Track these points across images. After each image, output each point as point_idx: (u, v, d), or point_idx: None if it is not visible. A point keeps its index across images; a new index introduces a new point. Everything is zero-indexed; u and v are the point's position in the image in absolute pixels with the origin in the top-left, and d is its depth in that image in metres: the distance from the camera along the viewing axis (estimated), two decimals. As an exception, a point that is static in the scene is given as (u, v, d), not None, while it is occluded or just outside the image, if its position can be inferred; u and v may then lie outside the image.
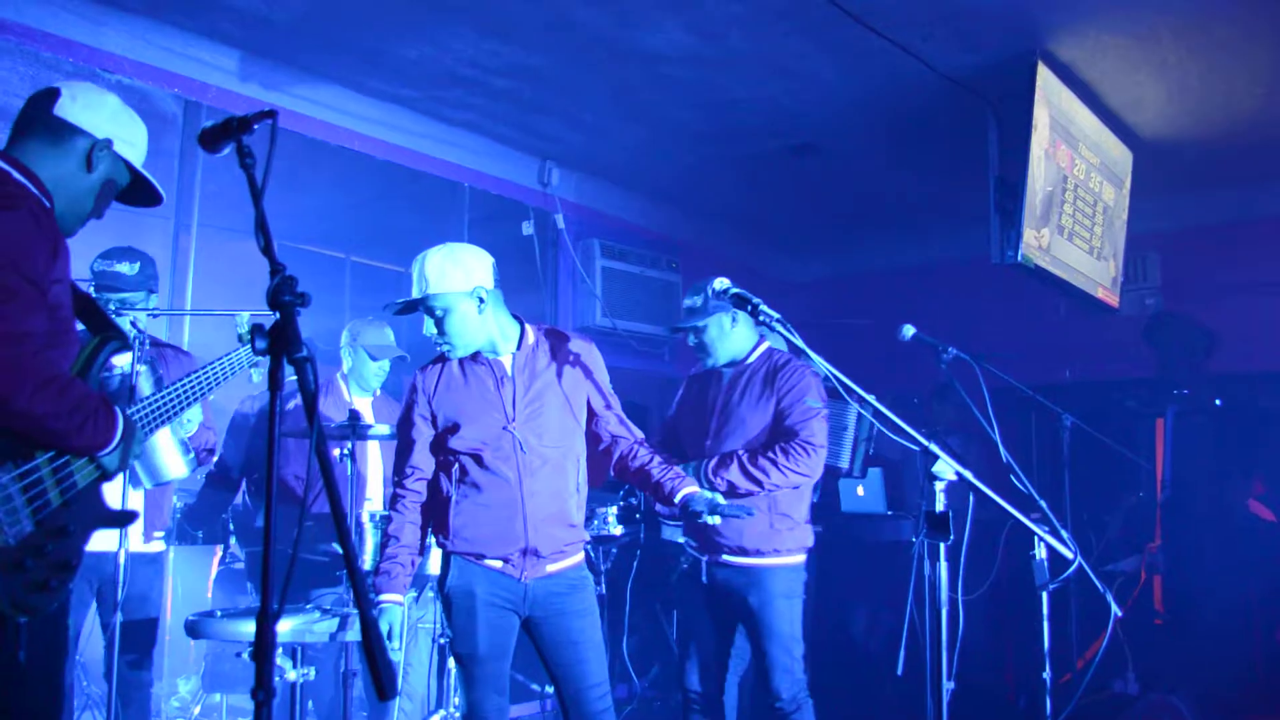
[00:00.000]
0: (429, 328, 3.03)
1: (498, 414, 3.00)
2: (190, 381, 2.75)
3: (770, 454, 3.44)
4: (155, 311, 3.57)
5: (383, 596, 2.94)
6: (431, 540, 3.14)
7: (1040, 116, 4.75)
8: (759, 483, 3.42)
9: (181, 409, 2.64)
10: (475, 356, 3.05)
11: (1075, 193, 5.28)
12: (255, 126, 1.93)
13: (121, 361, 3.02)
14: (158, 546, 3.67)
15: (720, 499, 3.10)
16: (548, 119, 5.64)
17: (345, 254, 7.16)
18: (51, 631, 1.97)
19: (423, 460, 3.05)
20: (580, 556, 3.13)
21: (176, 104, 4.70)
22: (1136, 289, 6.78)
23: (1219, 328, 6.18)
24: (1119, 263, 6.07)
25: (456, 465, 3.01)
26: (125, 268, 3.49)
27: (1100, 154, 5.49)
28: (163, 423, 2.62)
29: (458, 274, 2.99)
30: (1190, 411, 5.86)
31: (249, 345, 3.02)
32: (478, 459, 2.99)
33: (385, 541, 3.01)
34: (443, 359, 3.09)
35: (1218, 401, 5.87)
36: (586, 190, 6.64)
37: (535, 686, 5.39)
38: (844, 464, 4.82)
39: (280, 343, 1.72)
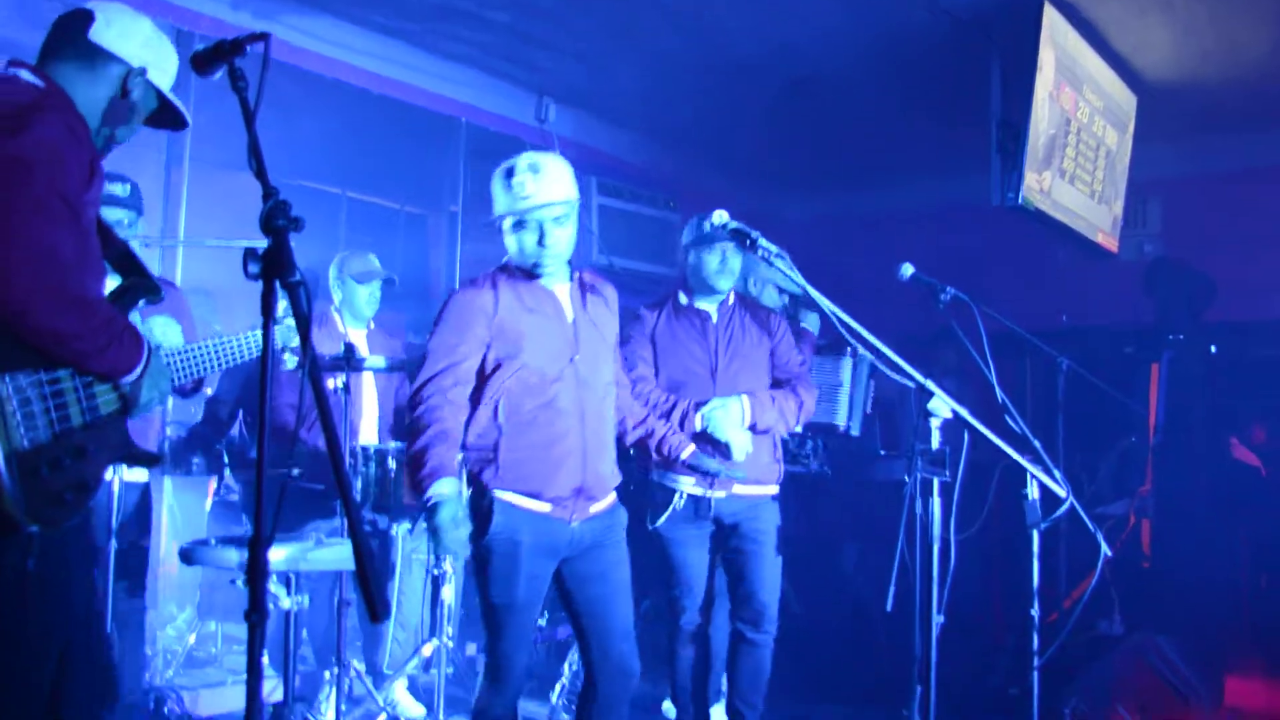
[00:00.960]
0: (525, 242, 2.82)
1: (563, 344, 2.85)
2: (221, 345, 2.73)
3: (796, 394, 3.67)
4: (148, 240, 3.54)
5: (438, 485, 2.61)
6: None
7: (1045, 58, 4.69)
8: (790, 422, 3.65)
9: (206, 370, 2.66)
10: (531, 282, 2.88)
11: (1078, 136, 5.23)
12: (248, 49, 1.91)
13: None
14: (141, 475, 3.64)
15: (715, 463, 3.31)
16: (545, 54, 5.56)
17: (341, 189, 7.09)
18: (64, 547, 1.94)
19: (469, 375, 2.79)
20: (614, 495, 3.02)
21: (169, 33, 4.59)
22: (1136, 235, 6.76)
23: (1217, 275, 6.16)
24: (1120, 208, 6.04)
25: (507, 396, 2.79)
26: (118, 188, 3.44)
27: (1105, 97, 5.43)
28: (187, 378, 2.63)
29: (571, 181, 2.86)
30: (1185, 358, 5.87)
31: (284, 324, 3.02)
32: (536, 390, 2.80)
33: (420, 433, 2.68)
34: (493, 280, 2.89)
35: (1213, 348, 5.87)
36: (584, 127, 6.57)
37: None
38: (840, 421, 4.77)
39: (273, 267, 1.71)
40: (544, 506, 2.80)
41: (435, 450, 2.64)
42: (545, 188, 2.79)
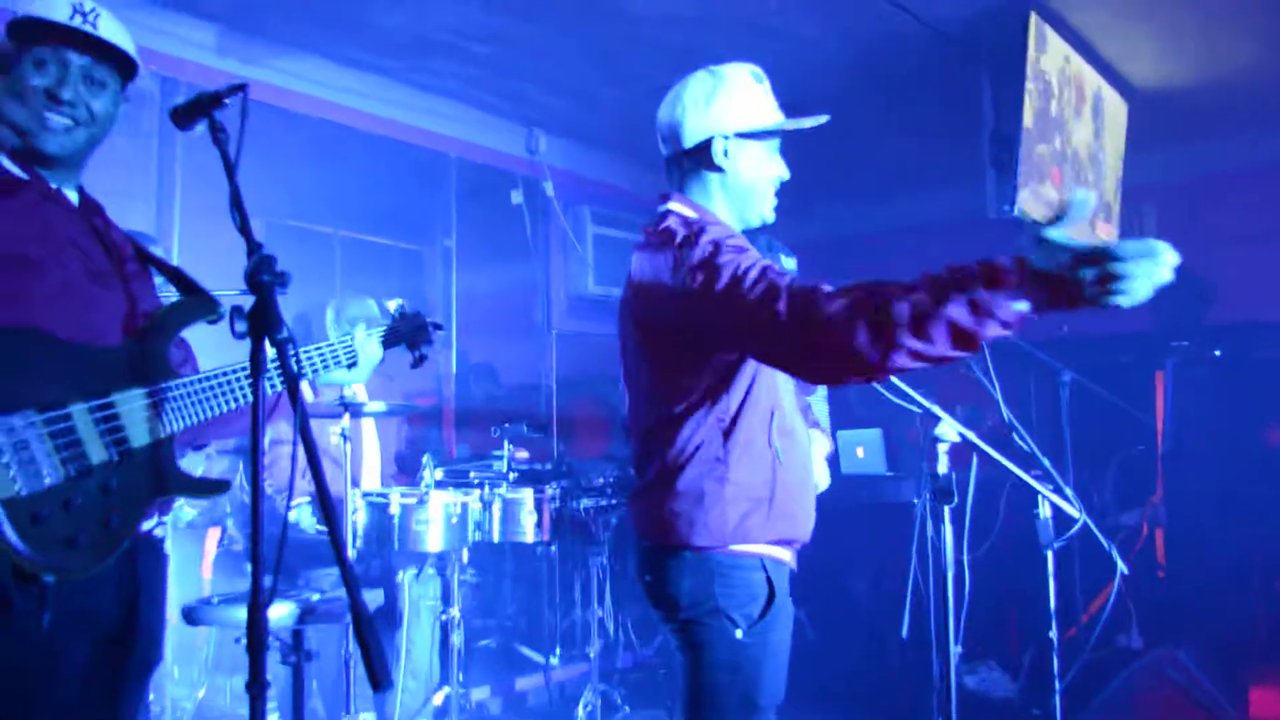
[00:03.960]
0: (781, 171, 2.31)
1: None
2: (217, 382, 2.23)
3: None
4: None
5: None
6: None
7: (1034, 68, 4.67)
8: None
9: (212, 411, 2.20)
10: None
11: (1071, 144, 5.21)
12: (227, 101, 1.86)
13: None
14: (159, 531, 3.58)
15: None
16: (532, 85, 5.56)
17: (333, 229, 7.07)
18: (87, 597, 1.80)
19: None
20: None
21: (154, 82, 4.61)
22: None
23: (1217, 278, 6.13)
24: (1115, 215, 6.01)
25: (772, 402, 2.18)
26: None
27: (1095, 105, 5.42)
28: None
29: None
30: (1189, 363, 5.83)
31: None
32: (783, 403, 2.22)
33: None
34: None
35: (1217, 352, 5.83)
36: (575, 156, 6.56)
37: (539, 658, 5.39)
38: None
39: (260, 324, 1.67)
40: (789, 556, 2.23)
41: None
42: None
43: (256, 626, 1.55)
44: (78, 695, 1.83)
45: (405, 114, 5.59)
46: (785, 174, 2.28)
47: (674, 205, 2.24)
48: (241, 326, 1.68)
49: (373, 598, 3.37)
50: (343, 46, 4.97)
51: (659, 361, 2.17)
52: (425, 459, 4.15)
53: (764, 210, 2.27)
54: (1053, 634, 3.42)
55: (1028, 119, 4.67)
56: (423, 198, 6.39)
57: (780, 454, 2.13)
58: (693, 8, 4.55)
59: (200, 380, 1.97)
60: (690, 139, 2.23)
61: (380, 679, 1.42)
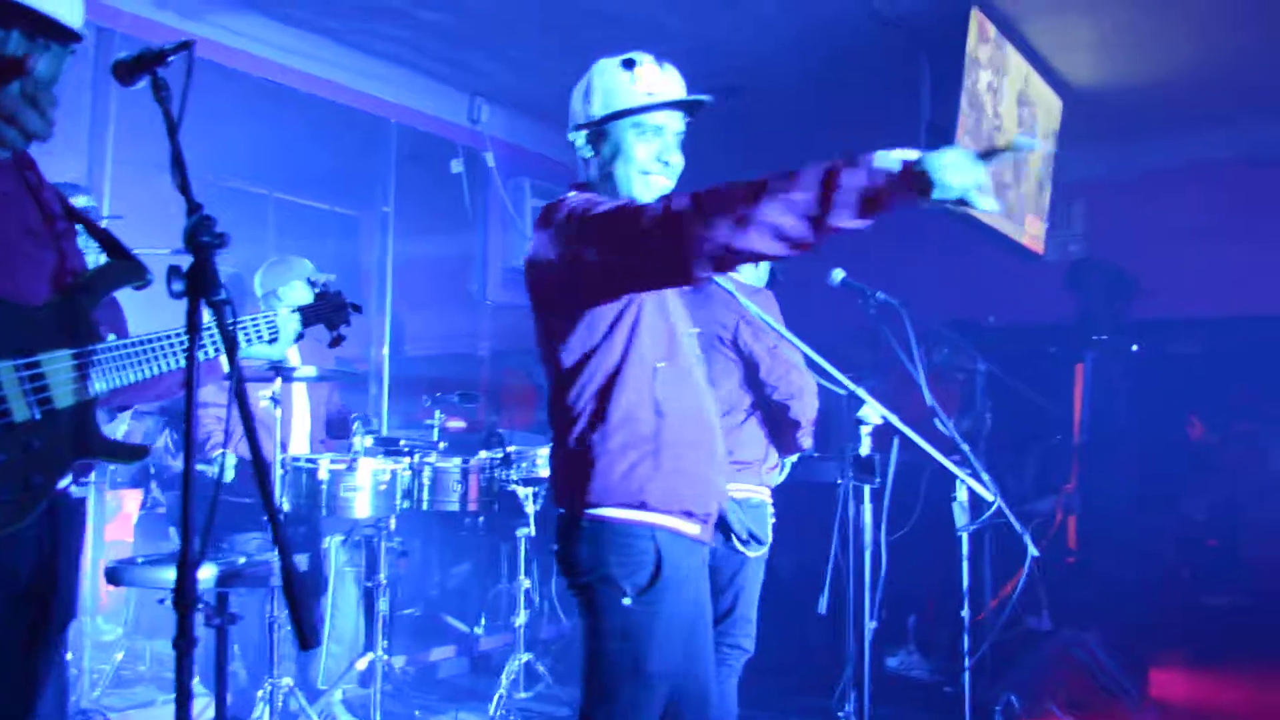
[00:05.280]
0: (662, 150, 2.32)
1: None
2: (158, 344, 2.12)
3: None
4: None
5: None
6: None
7: (972, 61, 4.77)
8: None
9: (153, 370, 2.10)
10: None
11: (1005, 139, 5.33)
12: (171, 59, 1.84)
13: None
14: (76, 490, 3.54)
15: None
16: (477, 54, 5.53)
17: (269, 190, 6.97)
18: (5, 554, 1.81)
19: None
20: None
21: (90, 31, 4.48)
22: (1061, 235, 6.91)
23: (1140, 275, 6.32)
24: (1045, 210, 6.16)
25: (655, 360, 2.27)
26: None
27: (1031, 101, 5.54)
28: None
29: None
30: (1108, 357, 6.01)
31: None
32: (678, 362, 2.35)
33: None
34: None
35: (1135, 347, 6.03)
36: (518, 128, 6.54)
37: (464, 628, 5.42)
38: None
39: (198, 284, 1.67)
40: (695, 528, 2.29)
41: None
42: (674, 88, 2.35)
43: (186, 583, 1.56)
44: None
45: (347, 76, 5.53)
46: (666, 155, 2.33)
47: (570, 193, 2.34)
48: (179, 286, 1.67)
49: (298, 563, 3.36)
50: (285, 5, 4.90)
51: (547, 329, 2.29)
52: (355, 425, 4.15)
53: (648, 191, 2.32)
54: (964, 614, 3.54)
55: (963, 112, 4.77)
56: (362, 163, 6.32)
57: (665, 411, 2.20)
58: (642, -19, 4.56)
59: (128, 345, 1.97)
60: (571, 132, 2.41)
61: (308, 637, 1.45)
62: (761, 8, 4.87)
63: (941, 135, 4.82)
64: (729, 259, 1.94)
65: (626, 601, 2.14)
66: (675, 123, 2.35)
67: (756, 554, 3.24)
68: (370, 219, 6.75)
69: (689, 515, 2.24)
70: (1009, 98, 5.27)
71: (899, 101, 5.17)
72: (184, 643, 1.58)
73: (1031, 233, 6.03)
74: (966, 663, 3.48)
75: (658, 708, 2.22)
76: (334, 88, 5.52)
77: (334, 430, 4.51)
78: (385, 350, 6.05)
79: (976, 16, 4.71)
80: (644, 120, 2.31)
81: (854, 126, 6.36)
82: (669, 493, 2.19)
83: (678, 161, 2.36)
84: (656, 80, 2.34)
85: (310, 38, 5.23)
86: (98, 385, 1.90)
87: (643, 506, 2.17)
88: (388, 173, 6.18)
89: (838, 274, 3.41)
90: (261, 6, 4.91)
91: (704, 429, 2.31)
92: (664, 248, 1.97)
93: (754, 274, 3.55)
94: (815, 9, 4.81)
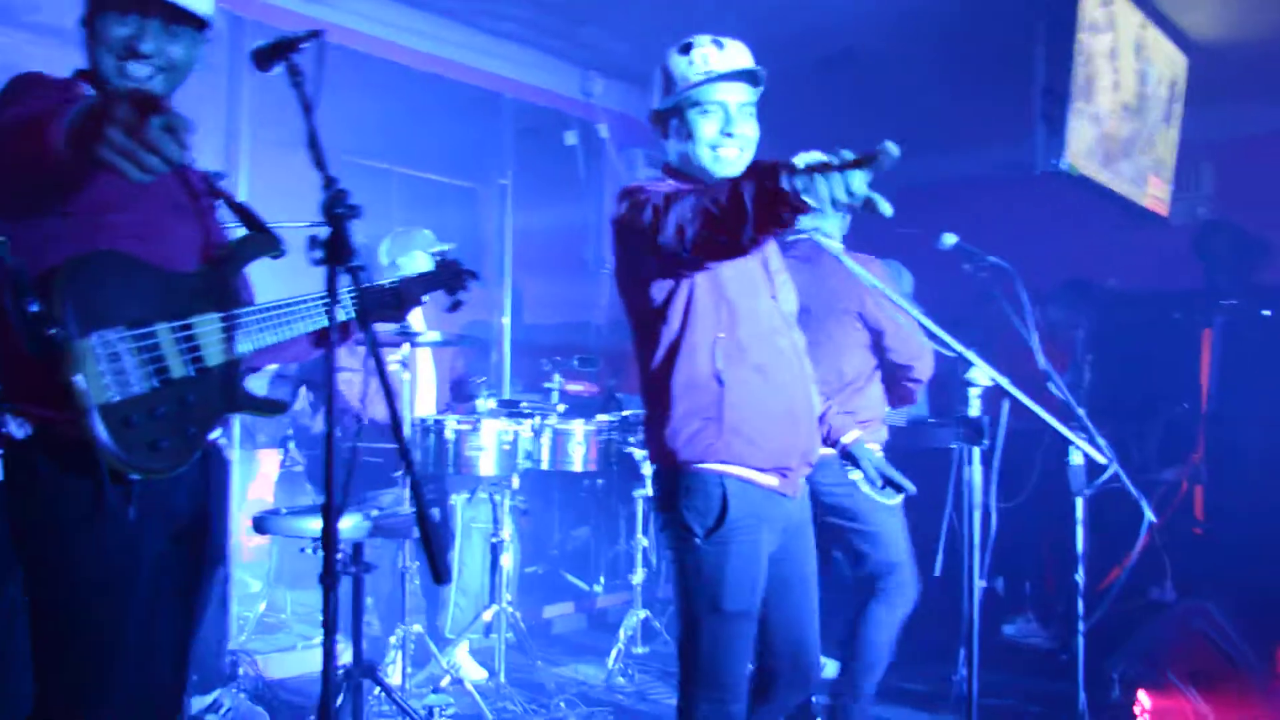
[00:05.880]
0: (725, 124, 2.44)
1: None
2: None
3: None
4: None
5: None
6: None
7: (1088, 21, 4.65)
8: None
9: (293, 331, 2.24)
10: None
11: (1125, 98, 5.19)
12: (303, 46, 1.99)
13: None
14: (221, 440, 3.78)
15: None
16: (590, 28, 5.62)
17: (390, 165, 7.22)
18: (166, 496, 1.97)
19: None
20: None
21: (223, 19, 4.74)
22: (1188, 198, 6.67)
23: (1271, 237, 6.08)
24: (1169, 171, 5.97)
25: (717, 332, 2.43)
26: None
27: (1152, 59, 5.37)
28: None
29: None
30: (1238, 323, 5.81)
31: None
32: (738, 334, 2.50)
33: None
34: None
35: (1266, 312, 5.80)
36: (631, 100, 6.62)
37: (584, 585, 5.59)
38: None
39: (335, 253, 1.81)
40: (771, 480, 2.44)
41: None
42: (735, 63, 2.45)
43: (331, 526, 1.72)
44: (156, 584, 2.00)
45: (464, 54, 5.69)
46: (730, 128, 2.43)
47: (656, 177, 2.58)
48: (318, 254, 1.82)
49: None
50: (405, -14, 5.08)
51: (626, 304, 2.50)
52: (480, 389, 4.32)
53: (721, 165, 2.44)
54: (1079, 577, 3.51)
55: (1079, 73, 4.66)
56: (480, 137, 6.49)
57: (725, 380, 2.34)
58: (752, -47, 4.59)
59: (269, 308, 2.14)
60: (651, 123, 2.60)
61: (441, 573, 1.58)
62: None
63: (1056, 98, 4.73)
64: (702, 251, 2.13)
65: (698, 541, 2.33)
66: (736, 94, 2.44)
67: (892, 501, 3.49)
68: (488, 191, 6.93)
69: (759, 470, 2.38)
70: (1126, 56, 5.12)
71: (1010, 65, 5.08)
72: (330, 579, 1.74)
73: (1155, 194, 5.86)
74: (1081, 627, 3.46)
75: (743, 643, 2.37)
76: (452, 65, 5.68)
77: (458, 393, 4.70)
78: (506, 318, 6.23)
79: (1092, -27, 4.59)
80: (703, 98, 2.42)
81: (967, 91, 6.30)
82: (734, 451, 2.35)
83: (746, 131, 2.46)
84: (715, 58, 2.44)
85: (428, 17, 5.40)
86: (243, 345, 2.06)
87: (709, 458, 2.34)
88: (505, 146, 6.33)
89: (949, 238, 3.41)
90: (383, -12, 5.11)
91: (776, 393, 2.42)
92: (662, 242, 2.19)
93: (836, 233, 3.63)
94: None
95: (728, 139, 2.42)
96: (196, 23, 2.12)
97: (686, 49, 2.46)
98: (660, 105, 2.49)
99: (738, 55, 2.47)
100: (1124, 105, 5.20)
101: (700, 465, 2.34)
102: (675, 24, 5.45)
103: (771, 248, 2.61)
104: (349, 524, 3.11)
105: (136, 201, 1.98)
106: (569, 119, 6.33)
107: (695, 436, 2.34)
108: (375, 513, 3.28)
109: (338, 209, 1.82)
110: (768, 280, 2.52)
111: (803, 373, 2.52)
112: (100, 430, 1.81)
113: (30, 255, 1.83)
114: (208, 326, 2.01)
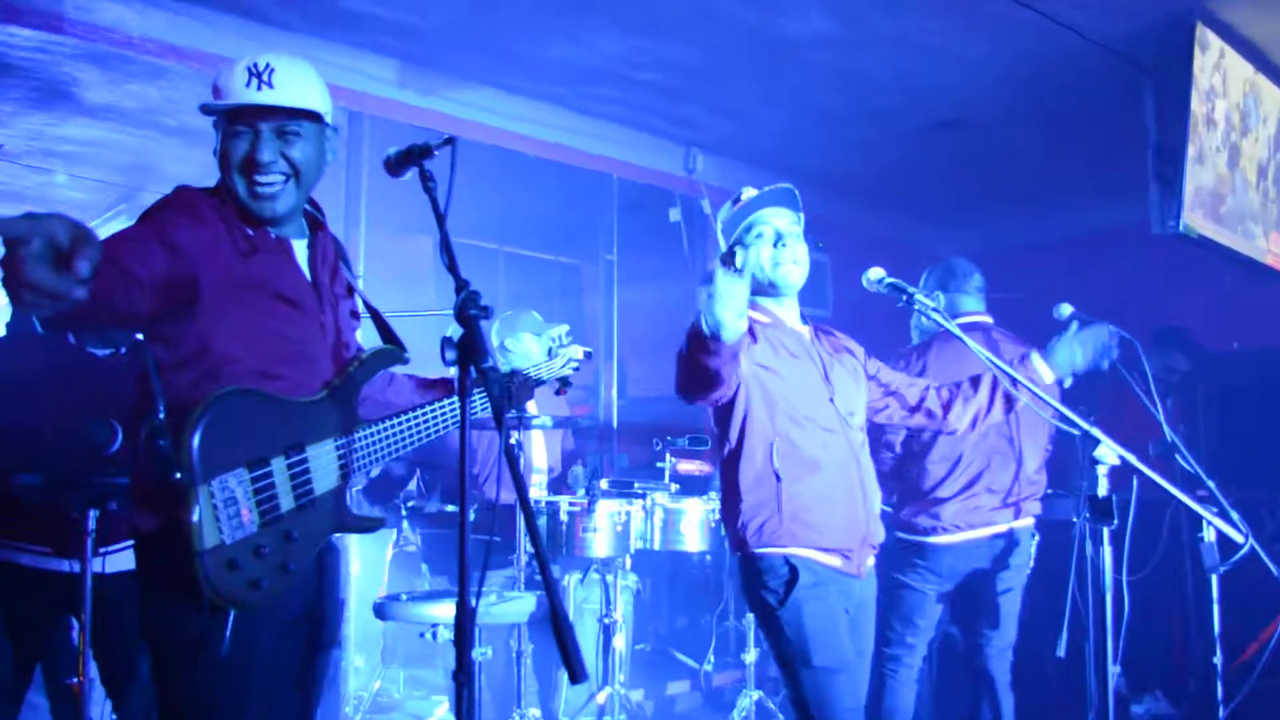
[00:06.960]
0: (776, 247, 2.81)
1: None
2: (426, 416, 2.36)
3: None
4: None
5: None
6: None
7: (1200, 80, 4.57)
8: None
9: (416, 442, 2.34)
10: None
11: (1242, 156, 5.06)
12: (436, 152, 2.07)
13: None
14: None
15: None
16: (692, 107, 5.72)
17: (498, 245, 7.40)
18: (259, 629, 2.01)
19: None
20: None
21: (341, 115, 4.96)
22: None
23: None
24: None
25: (773, 435, 2.76)
26: None
27: (1268, 114, 5.25)
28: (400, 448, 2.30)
29: None
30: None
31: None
32: (790, 434, 2.80)
33: None
34: None
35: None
36: (731, 175, 6.68)
37: (694, 664, 5.53)
38: None
39: (468, 353, 1.87)
40: (834, 560, 2.71)
41: None
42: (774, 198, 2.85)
43: (465, 620, 1.75)
44: (272, 676, 2.08)
45: (570, 137, 5.83)
46: (779, 256, 2.81)
47: None
48: (451, 355, 1.88)
49: (540, 599, 3.57)
50: (512, 77, 5.23)
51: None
52: (578, 471, 4.37)
53: (787, 281, 2.85)
54: (1217, 660, 3.36)
55: (1193, 132, 4.57)
56: (585, 215, 6.63)
57: (783, 477, 2.65)
58: (854, 31, 4.63)
59: (384, 427, 2.24)
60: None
61: (578, 672, 1.59)
62: (970, 50, 4.84)
63: (1169, 157, 4.64)
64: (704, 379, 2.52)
65: (777, 611, 2.63)
66: (777, 221, 2.78)
67: None
68: (593, 268, 7.05)
69: (821, 550, 2.67)
70: (1242, 112, 5.00)
71: (1121, 126, 5.02)
72: (464, 676, 1.76)
73: (1275, 251, 5.67)
74: (1221, 711, 3.31)
75: (840, 691, 2.61)
76: (558, 149, 5.82)
77: (569, 474, 4.75)
78: (614, 393, 6.29)
79: (1201, 31, 4.51)
80: (750, 230, 2.77)
81: (1078, 154, 6.22)
82: (796, 535, 2.65)
83: (796, 251, 2.79)
84: (755, 200, 2.80)
85: (534, 104, 5.56)
86: (355, 476, 2.17)
87: (775, 543, 2.66)
88: (610, 223, 6.45)
89: (1065, 308, 3.35)
90: (491, 80, 5.27)
91: (831, 484, 2.69)
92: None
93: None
94: (1027, 43, 4.73)
95: (775, 265, 2.81)
96: (311, 117, 2.20)
97: (735, 200, 2.86)
98: (728, 243, 2.78)
99: (782, 193, 2.85)
100: (1246, 162, 5.07)
101: (768, 550, 2.65)
102: (773, 100, 5.59)
103: (830, 356, 2.90)
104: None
105: (258, 340, 2.08)
106: (672, 195, 6.43)
107: (762, 526, 2.65)
108: (493, 598, 3.32)
109: (470, 310, 1.88)
110: (826, 385, 2.79)
111: (858, 464, 2.76)
112: (205, 572, 1.90)
113: (167, 381, 1.96)
114: (321, 455, 2.10)
